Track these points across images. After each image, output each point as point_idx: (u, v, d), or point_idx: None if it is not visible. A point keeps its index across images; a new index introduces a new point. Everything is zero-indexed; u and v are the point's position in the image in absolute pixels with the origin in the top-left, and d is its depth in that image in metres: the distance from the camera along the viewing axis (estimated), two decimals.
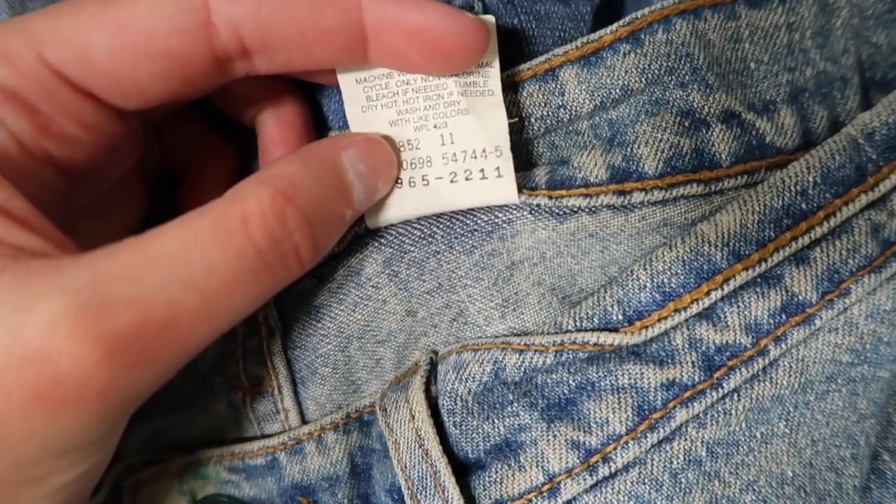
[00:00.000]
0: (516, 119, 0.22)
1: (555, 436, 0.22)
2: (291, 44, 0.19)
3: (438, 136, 0.22)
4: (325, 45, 0.20)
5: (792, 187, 0.21)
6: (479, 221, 0.23)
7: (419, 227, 0.23)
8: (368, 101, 0.22)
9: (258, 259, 0.18)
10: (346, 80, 0.22)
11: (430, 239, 0.23)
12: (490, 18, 0.21)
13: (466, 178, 0.22)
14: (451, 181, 0.22)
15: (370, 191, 0.21)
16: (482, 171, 0.21)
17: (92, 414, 0.16)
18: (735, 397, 0.22)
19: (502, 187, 0.21)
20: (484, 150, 0.21)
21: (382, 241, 0.23)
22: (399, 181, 0.22)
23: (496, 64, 0.21)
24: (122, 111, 0.20)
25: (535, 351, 0.22)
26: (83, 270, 0.16)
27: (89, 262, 0.17)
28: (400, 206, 0.22)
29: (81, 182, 0.22)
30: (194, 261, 0.17)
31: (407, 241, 0.23)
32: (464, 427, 0.23)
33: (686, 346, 0.22)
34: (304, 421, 0.26)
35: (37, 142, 0.19)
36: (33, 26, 0.18)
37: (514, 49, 0.23)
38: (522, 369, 0.22)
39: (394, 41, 0.20)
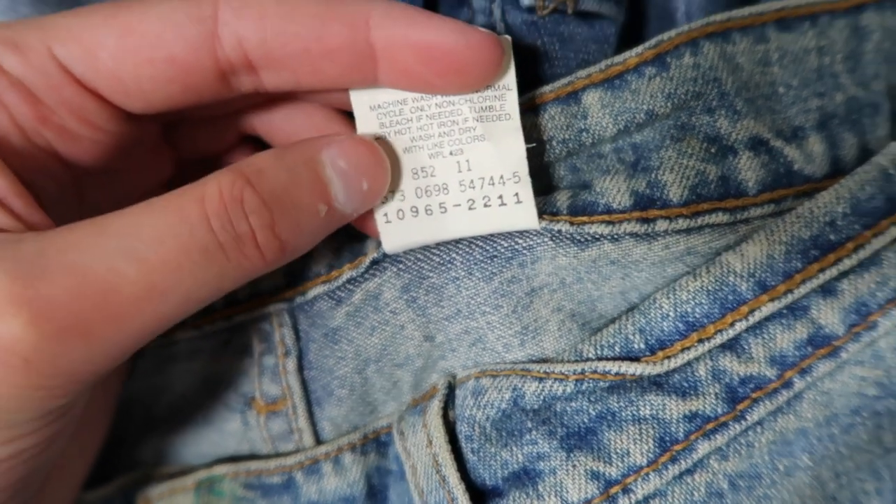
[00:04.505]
0: (534, 144, 0.22)
1: (574, 465, 0.22)
2: (297, 61, 0.19)
3: (454, 162, 0.21)
4: (332, 63, 0.19)
5: (820, 218, 0.21)
6: (498, 247, 0.22)
7: (438, 252, 0.23)
8: (382, 129, 0.21)
9: (210, 237, 0.18)
10: (360, 106, 0.21)
11: (449, 265, 0.23)
12: (506, 37, 0.20)
13: (485, 205, 0.21)
14: (469, 208, 0.21)
15: (353, 189, 0.20)
16: (500, 197, 0.21)
17: (19, 381, 0.16)
18: (758, 430, 0.21)
19: (522, 213, 0.21)
20: (502, 177, 0.21)
21: (401, 266, 0.23)
22: (415, 209, 0.22)
23: (513, 86, 0.21)
24: (129, 114, 0.20)
25: (555, 379, 0.22)
26: (36, 242, 0.16)
27: (46, 235, 0.17)
28: (417, 233, 0.22)
29: (94, 182, 0.22)
30: (143, 233, 0.17)
31: (426, 266, 0.23)
32: (482, 454, 0.23)
33: (709, 377, 0.21)
34: (318, 442, 0.26)
35: (37, 130, 0.20)
36: (49, 23, 0.19)
37: (536, 71, 0.23)
38: (542, 397, 0.22)
39: (404, 59, 0.19)
